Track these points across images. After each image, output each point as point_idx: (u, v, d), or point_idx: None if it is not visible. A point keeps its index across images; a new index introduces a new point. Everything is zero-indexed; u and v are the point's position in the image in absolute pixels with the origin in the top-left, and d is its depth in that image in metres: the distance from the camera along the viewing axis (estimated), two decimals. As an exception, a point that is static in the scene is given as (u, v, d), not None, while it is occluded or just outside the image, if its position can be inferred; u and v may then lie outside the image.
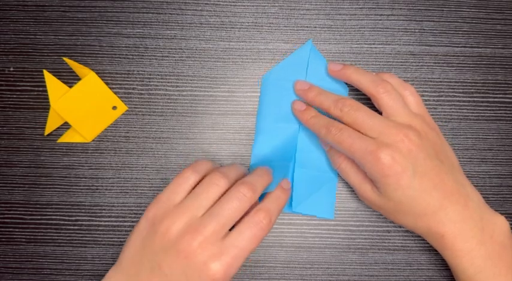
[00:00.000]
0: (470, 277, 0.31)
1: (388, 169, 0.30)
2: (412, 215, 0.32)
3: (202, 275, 0.28)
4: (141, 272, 0.29)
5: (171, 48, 0.39)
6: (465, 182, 0.33)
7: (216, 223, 0.29)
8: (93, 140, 0.38)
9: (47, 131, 0.37)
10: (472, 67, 0.39)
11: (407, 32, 0.39)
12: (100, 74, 0.38)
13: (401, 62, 0.39)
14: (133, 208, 0.38)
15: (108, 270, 0.31)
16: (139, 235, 0.31)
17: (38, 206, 0.38)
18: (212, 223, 0.29)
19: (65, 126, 0.39)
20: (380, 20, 0.39)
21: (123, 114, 0.39)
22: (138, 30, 0.39)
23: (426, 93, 0.39)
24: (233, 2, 0.39)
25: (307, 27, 0.39)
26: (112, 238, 0.38)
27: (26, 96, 0.39)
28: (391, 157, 0.30)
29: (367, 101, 0.36)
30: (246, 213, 0.31)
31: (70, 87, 0.37)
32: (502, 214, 0.39)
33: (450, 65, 0.39)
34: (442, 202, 0.31)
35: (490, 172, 0.39)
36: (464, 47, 0.39)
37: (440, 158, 0.32)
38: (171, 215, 0.30)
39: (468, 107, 0.39)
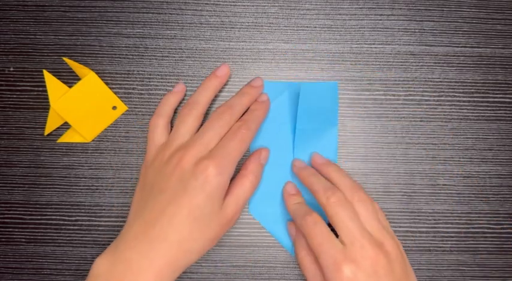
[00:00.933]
0: None
1: None
2: None
3: (197, 174, 0.31)
4: (148, 206, 0.32)
5: (171, 48, 0.39)
6: None
7: (201, 140, 0.32)
8: (93, 140, 0.38)
9: (46, 131, 0.37)
10: (472, 67, 0.39)
11: (407, 32, 0.39)
12: (100, 74, 0.38)
13: (401, 62, 0.39)
14: (133, 208, 0.38)
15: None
16: (139, 183, 0.34)
17: (37, 206, 0.38)
18: (197, 141, 0.33)
19: (65, 126, 0.39)
20: (380, 20, 0.39)
21: (123, 114, 0.39)
22: (138, 30, 0.39)
23: (426, 93, 0.39)
24: (233, 2, 0.39)
25: (307, 27, 0.39)
26: (112, 238, 0.38)
27: (26, 96, 0.39)
28: (353, 275, 0.29)
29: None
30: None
31: (70, 87, 0.37)
32: (502, 214, 0.39)
33: (450, 65, 0.39)
34: None
35: (490, 172, 0.39)
36: (464, 47, 0.39)
37: None
38: (161, 152, 0.34)
39: (468, 107, 0.39)
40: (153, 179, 0.33)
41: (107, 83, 0.38)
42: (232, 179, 0.34)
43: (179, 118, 0.35)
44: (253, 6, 0.39)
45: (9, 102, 0.39)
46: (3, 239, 0.38)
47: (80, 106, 0.37)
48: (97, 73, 0.38)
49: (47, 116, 0.38)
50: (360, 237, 0.30)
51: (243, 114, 0.36)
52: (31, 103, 0.39)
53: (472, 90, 0.39)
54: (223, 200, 0.32)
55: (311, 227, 0.31)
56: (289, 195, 0.36)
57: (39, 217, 0.38)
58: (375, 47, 0.39)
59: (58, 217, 0.38)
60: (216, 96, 0.39)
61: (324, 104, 0.38)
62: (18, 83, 0.39)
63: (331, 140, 0.38)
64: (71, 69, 0.39)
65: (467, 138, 0.39)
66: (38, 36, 0.39)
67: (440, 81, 0.39)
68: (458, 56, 0.39)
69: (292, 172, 0.37)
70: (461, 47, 0.39)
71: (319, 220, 0.32)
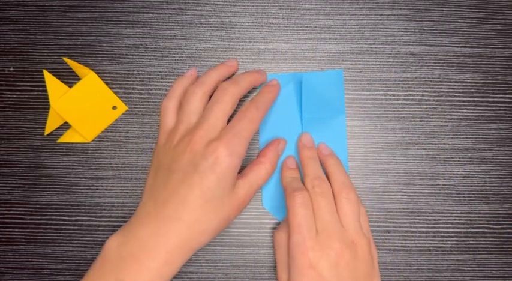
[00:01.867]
0: None
1: (307, 269, 0.30)
2: None
3: (206, 155, 0.30)
4: (159, 186, 0.32)
5: (171, 48, 0.39)
6: None
7: (208, 121, 0.32)
8: (93, 140, 0.38)
9: (46, 131, 0.37)
10: (472, 67, 0.39)
11: (407, 32, 0.39)
12: (100, 74, 0.38)
13: (401, 62, 0.39)
14: (133, 208, 0.38)
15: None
16: (152, 166, 0.34)
17: (37, 206, 0.38)
18: (205, 122, 0.32)
19: (65, 126, 0.39)
20: (380, 20, 0.39)
21: (123, 114, 0.39)
22: (138, 30, 0.39)
23: (426, 93, 0.39)
24: (233, 2, 0.39)
25: (307, 27, 0.39)
26: (112, 238, 0.38)
27: (26, 96, 0.39)
28: (316, 261, 0.30)
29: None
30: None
31: (70, 87, 0.37)
32: (502, 214, 0.39)
33: (450, 65, 0.39)
34: None
35: (490, 172, 0.39)
36: (464, 47, 0.39)
37: None
38: (171, 135, 0.33)
39: (468, 107, 0.39)
40: (164, 161, 0.33)
41: (107, 83, 0.38)
42: (248, 163, 0.34)
43: (185, 98, 0.34)
44: (253, 6, 0.39)
45: (9, 102, 0.39)
46: (3, 239, 0.38)
47: (80, 106, 0.37)
48: (97, 73, 0.38)
49: (47, 116, 0.38)
50: (330, 228, 0.31)
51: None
52: (31, 103, 0.39)
53: (472, 90, 0.39)
54: (235, 181, 0.32)
55: (297, 205, 0.32)
56: (287, 168, 0.37)
57: (39, 217, 0.38)
58: (375, 47, 0.39)
59: (58, 217, 0.38)
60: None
61: (330, 93, 0.38)
62: (18, 83, 0.39)
63: (340, 128, 0.38)
64: (71, 69, 0.39)
65: (467, 138, 0.39)
66: (38, 36, 0.39)
67: (440, 81, 0.39)
68: (458, 56, 0.39)
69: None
70: (461, 47, 0.39)
71: (307, 201, 0.32)
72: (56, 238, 0.38)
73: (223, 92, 0.33)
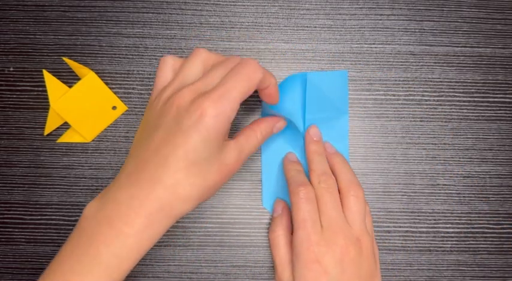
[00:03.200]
0: None
1: (312, 263, 0.30)
2: None
3: (190, 112, 0.27)
4: (143, 145, 0.29)
5: (171, 48, 0.39)
6: None
7: (204, 79, 0.29)
8: (92, 140, 0.38)
9: (46, 131, 0.37)
10: (472, 67, 0.39)
11: (407, 32, 0.39)
12: (100, 74, 0.38)
13: (401, 62, 0.39)
14: (133, 208, 0.38)
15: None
16: (140, 124, 0.32)
17: (37, 206, 0.38)
18: (200, 80, 0.29)
19: (65, 126, 0.39)
20: (380, 20, 0.39)
21: (123, 114, 0.39)
22: (138, 30, 0.39)
23: (426, 93, 0.39)
24: (233, 2, 0.39)
25: (307, 27, 0.39)
26: (112, 238, 0.38)
27: (26, 96, 0.39)
28: (321, 256, 0.30)
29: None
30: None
31: (70, 87, 0.37)
32: (502, 214, 0.39)
33: (450, 65, 0.39)
34: None
35: (490, 172, 0.39)
36: (464, 47, 0.39)
37: None
38: (163, 91, 0.30)
39: (468, 107, 0.39)
40: (151, 117, 0.30)
41: (106, 83, 0.38)
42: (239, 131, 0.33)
43: (188, 59, 0.31)
44: (253, 6, 0.39)
45: (9, 102, 0.39)
46: (3, 239, 0.38)
47: (80, 106, 0.37)
48: (97, 73, 0.38)
49: (46, 116, 0.38)
50: (336, 224, 0.31)
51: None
52: (31, 103, 0.39)
53: (472, 90, 0.39)
54: (222, 144, 0.29)
55: (302, 200, 0.32)
56: (289, 161, 0.36)
57: (39, 217, 0.38)
58: (375, 47, 0.39)
59: (58, 217, 0.38)
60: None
61: (334, 93, 0.38)
62: (18, 83, 0.39)
63: (343, 129, 0.38)
64: (71, 69, 0.39)
65: (467, 138, 0.39)
66: (37, 36, 0.39)
67: (440, 81, 0.39)
68: (458, 56, 0.39)
69: (305, 162, 0.37)
70: (461, 47, 0.39)
71: (311, 196, 0.32)
72: (56, 238, 0.38)
73: (227, 58, 0.30)
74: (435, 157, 0.39)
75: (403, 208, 0.39)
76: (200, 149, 0.27)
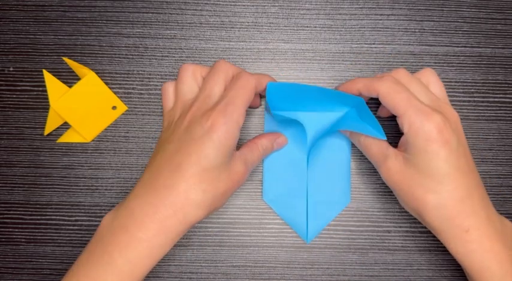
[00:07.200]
0: None
1: (436, 133, 0.29)
2: (435, 195, 0.29)
3: (202, 123, 0.29)
4: (157, 158, 0.31)
5: (171, 48, 0.39)
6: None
7: (204, 92, 0.31)
8: (92, 140, 0.38)
9: (46, 131, 0.37)
10: (472, 67, 0.39)
11: (407, 32, 0.39)
12: (100, 74, 0.38)
13: (401, 62, 0.39)
14: (133, 208, 0.38)
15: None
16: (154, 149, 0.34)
17: (37, 206, 0.38)
18: (200, 95, 0.31)
19: (65, 126, 0.39)
20: (380, 20, 0.39)
21: (122, 114, 0.39)
22: (138, 30, 0.39)
23: (426, 93, 0.39)
24: (233, 2, 0.39)
25: (307, 27, 0.39)
26: (112, 238, 0.38)
27: (26, 96, 0.39)
28: (443, 123, 0.29)
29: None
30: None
31: (70, 87, 0.37)
32: (502, 214, 0.39)
33: (450, 65, 0.39)
34: (470, 191, 0.29)
35: (490, 172, 0.39)
36: (465, 47, 0.39)
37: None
38: (170, 117, 0.33)
39: (468, 107, 0.39)
40: (165, 137, 0.32)
41: (106, 83, 0.38)
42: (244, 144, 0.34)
43: (178, 80, 0.33)
44: (253, 6, 0.39)
45: (9, 102, 0.39)
46: (3, 239, 0.38)
47: (80, 106, 0.37)
48: (97, 73, 0.38)
49: (46, 116, 0.38)
50: (436, 101, 0.31)
51: None
52: (31, 103, 0.39)
53: (472, 90, 0.39)
54: (233, 153, 0.31)
55: (394, 85, 0.30)
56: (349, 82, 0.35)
57: (39, 217, 0.38)
58: (375, 47, 0.39)
59: (58, 217, 0.38)
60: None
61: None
62: (18, 83, 0.39)
63: (344, 161, 0.38)
64: (71, 69, 0.39)
65: (467, 138, 0.39)
66: (37, 36, 0.39)
67: (441, 81, 0.39)
68: (458, 56, 0.39)
69: (306, 166, 0.37)
70: (461, 47, 0.39)
71: (396, 81, 0.31)
72: (56, 238, 0.38)
73: (216, 66, 0.32)
74: (435, 157, 0.39)
75: (403, 208, 0.39)
76: (212, 156, 0.29)
